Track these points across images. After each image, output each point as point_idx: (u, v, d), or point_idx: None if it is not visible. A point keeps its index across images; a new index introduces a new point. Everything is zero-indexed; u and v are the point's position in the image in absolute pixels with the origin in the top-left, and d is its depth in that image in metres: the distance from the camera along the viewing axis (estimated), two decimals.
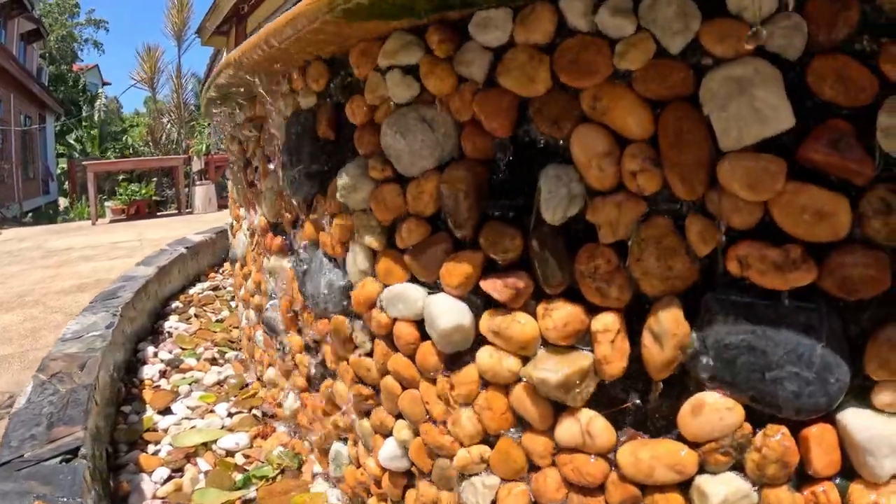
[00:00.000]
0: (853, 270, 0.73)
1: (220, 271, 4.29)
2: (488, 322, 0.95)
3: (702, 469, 0.84)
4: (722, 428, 0.81)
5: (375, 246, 1.14)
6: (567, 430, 0.91)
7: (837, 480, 0.80)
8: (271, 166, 1.64)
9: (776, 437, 0.79)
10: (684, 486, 0.86)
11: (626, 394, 0.90)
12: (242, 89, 1.71)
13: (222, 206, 9.11)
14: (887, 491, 0.79)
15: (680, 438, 0.85)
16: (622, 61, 0.79)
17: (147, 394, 2.34)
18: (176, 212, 9.11)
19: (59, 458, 1.46)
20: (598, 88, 0.81)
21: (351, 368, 1.30)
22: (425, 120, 0.99)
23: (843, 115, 0.73)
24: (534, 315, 0.92)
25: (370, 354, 1.25)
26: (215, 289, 3.83)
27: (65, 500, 1.28)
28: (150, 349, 2.77)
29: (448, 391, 1.04)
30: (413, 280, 1.09)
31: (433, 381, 1.09)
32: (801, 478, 0.81)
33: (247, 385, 2.41)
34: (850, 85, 0.71)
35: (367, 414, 1.32)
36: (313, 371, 1.58)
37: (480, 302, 0.98)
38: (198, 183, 9.25)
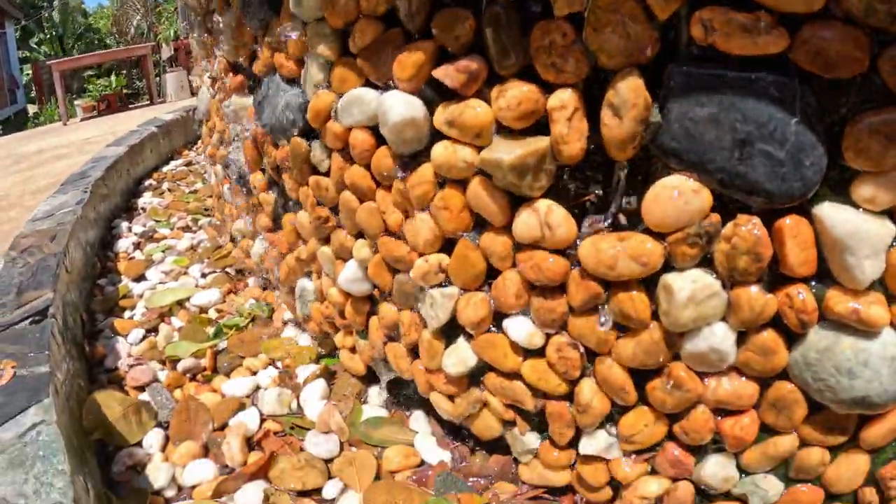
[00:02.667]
0: (828, 45, 0.63)
1: (194, 149, 4.18)
2: (442, 114, 0.87)
3: (668, 267, 0.78)
4: (688, 213, 0.74)
5: (329, 55, 1.04)
6: (524, 222, 0.85)
7: (813, 284, 0.75)
8: None
9: (747, 227, 0.72)
10: (650, 286, 0.81)
11: (585, 186, 0.84)
12: None
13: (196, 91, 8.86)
14: (867, 300, 0.72)
15: (646, 232, 0.78)
16: None
17: (122, 265, 2.31)
18: (148, 102, 8.84)
19: (28, 320, 1.42)
20: None
21: (310, 191, 1.23)
22: None
23: None
24: (488, 102, 0.84)
25: (328, 174, 1.18)
26: (188, 164, 3.74)
27: (32, 354, 1.25)
28: (125, 224, 2.72)
29: (404, 195, 0.98)
30: (367, 85, 1.01)
31: (389, 189, 1.03)
32: (775, 280, 0.76)
33: (220, 247, 2.37)
34: None
35: (328, 240, 1.27)
36: (277, 208, 1.51)
37: (434, 96, 0.90)
38: (168, 70, 8.92)
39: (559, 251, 0.85)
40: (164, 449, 1.30)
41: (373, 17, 0.95)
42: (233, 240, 2.32)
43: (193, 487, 1.20)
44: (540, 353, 0.95)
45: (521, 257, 0.88)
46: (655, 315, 0.82)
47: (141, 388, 1.51)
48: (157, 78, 9.03)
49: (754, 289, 0.75)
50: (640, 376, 0.88)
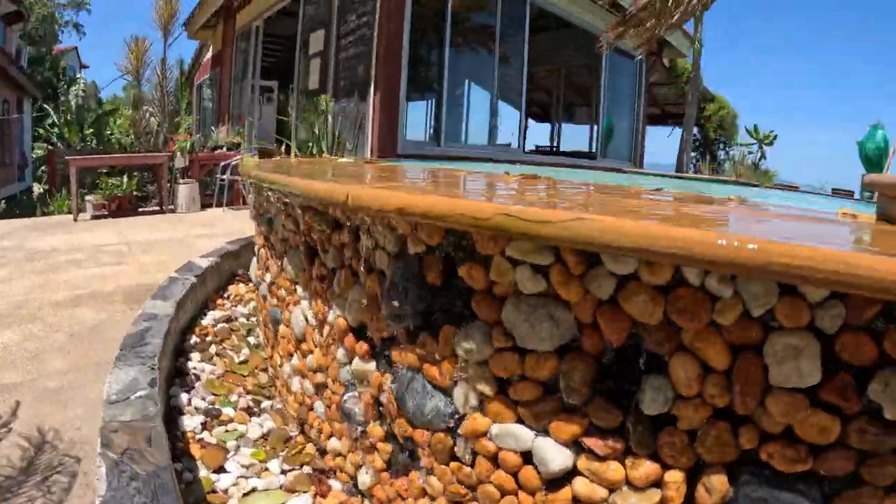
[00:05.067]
0: None
1: (225, 296, 4.51)
2: (587, 464, 1.38)
3: None
4: None
5: (489, 393, 1.52)
6: None
7: None
8: (360, 277, 1.96)
9: None
10: None
11: None
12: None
13: (205, 204, 9.65)
14: None
15: None
16: (720, 317, 1.20)
17: (195, 449, 2.50)
18: (158, 209, 9.41)
19: None
20: (697, 332, 1.23)
21: (449, 472, 1.66)
22: (553, 317, 1.39)
23: None
24: (622, 464, 1.34)
25: (471, 465, 1.61)
26: (228, 320, 3.99)
27: None
28: (184, 396, 2.92)
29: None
30: (519, 422, 1.49)
31: (532, 494, 1.49)
32: None
33: (290, 438, 2.65)
34: None
35: None
36: (398, 459, 1.90)
37: (577, 447, 1.40)
38: (181, 181, 9.61)
39: None
40: None
41: (535, 380, 1.45)
42: (302, 431, 2.66)
43: None
44: None
45: None
46: None
47: None
48: (169, 185, 9.69)
49: None
50: None
